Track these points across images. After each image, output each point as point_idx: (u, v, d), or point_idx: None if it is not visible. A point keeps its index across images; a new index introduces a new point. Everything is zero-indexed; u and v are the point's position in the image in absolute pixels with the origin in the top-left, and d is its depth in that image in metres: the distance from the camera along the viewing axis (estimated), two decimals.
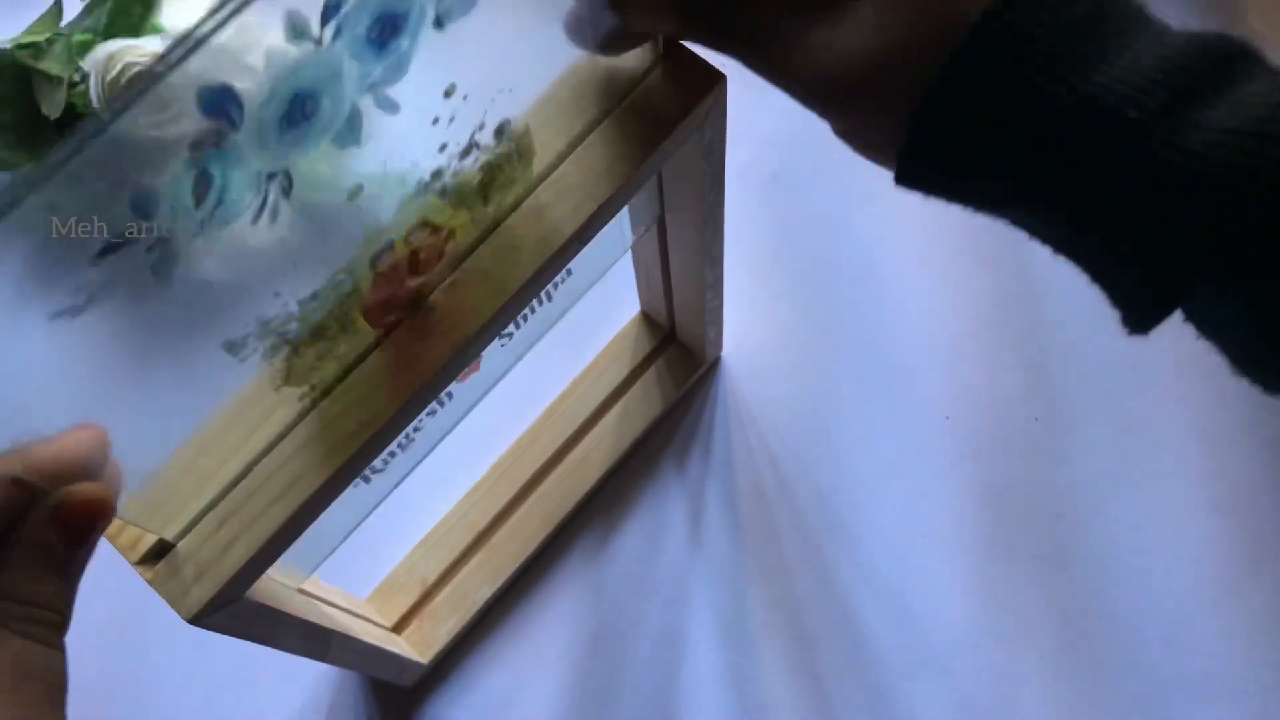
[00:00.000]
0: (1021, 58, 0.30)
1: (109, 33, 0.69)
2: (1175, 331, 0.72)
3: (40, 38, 0.71)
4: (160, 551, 0.36)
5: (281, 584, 0.43)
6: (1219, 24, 0.72)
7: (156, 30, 0.69)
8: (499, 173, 0.39)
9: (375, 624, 0.58)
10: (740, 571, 0.64)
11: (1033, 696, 0.61)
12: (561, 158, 0.39)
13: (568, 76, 0.39)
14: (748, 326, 0.69)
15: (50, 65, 0.70)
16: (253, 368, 0.33)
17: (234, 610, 0.37)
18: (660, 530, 0.65)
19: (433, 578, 0.63)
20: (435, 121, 0.34)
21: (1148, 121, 0.29)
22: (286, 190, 0.31)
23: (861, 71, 0.32)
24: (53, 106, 0.69)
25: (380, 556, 0.64)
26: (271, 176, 0.30)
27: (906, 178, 0.33)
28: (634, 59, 0.40)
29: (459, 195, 0.38)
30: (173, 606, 0.36)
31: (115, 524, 0.36)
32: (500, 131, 0.38)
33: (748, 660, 0.62)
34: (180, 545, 0.36)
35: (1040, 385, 0.67)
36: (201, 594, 0.36)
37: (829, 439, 0.66)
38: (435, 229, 0.37)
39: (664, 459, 0.67)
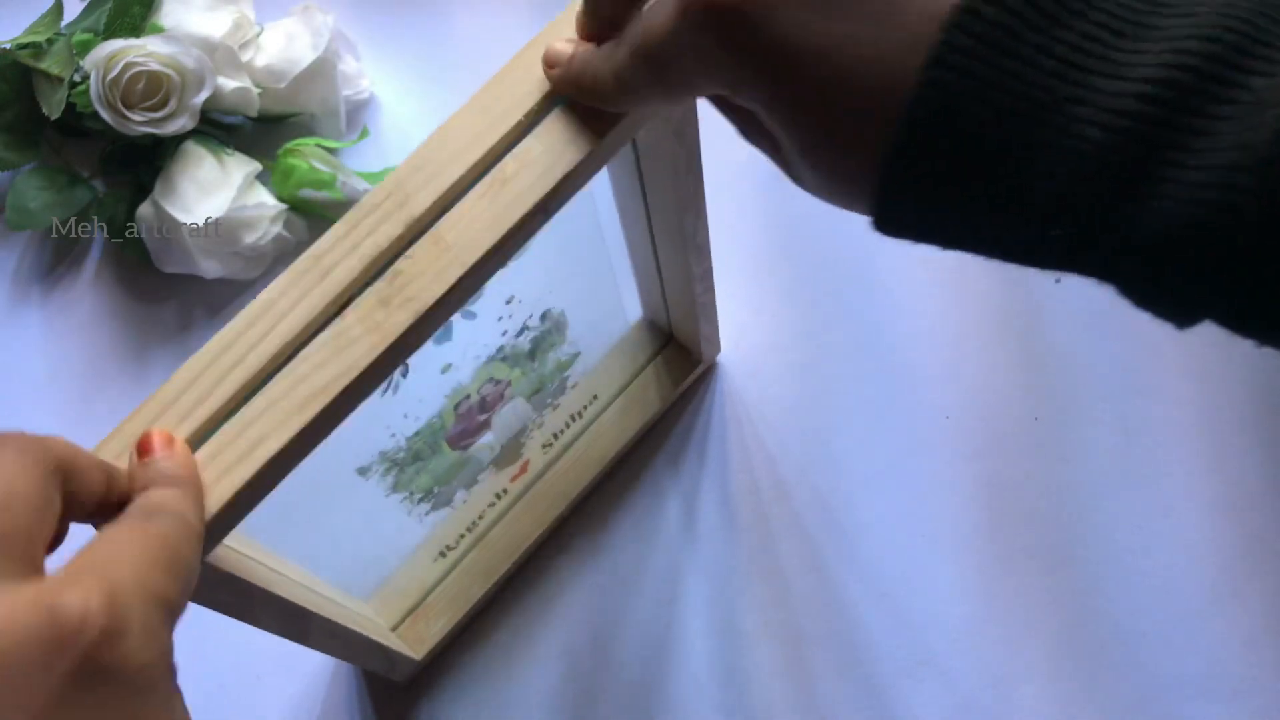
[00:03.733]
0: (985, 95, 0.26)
1: (109, 33, 0.69)
2: (1176, 332, 0.72)
3: (40, 38, 0.72)
4: None
5: (263, 564, 0.43)
6: None
7: (156, 30, 0.70)
8: (542, 340, 0.55)
9: (369, 619, 0.58)
10: (737, 571, 0.64)
11: (1032, 696, 0.61)
12: None
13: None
14: (746, 326, 0.69)
15: (50, 65, 0.71)
16: None
17: None
18: (656, 529, 0.65)
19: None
20: (500, 319, 0.50)
21: (1117, 184, 0.25)
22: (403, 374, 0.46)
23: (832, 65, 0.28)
24: (53, 106, 0.70)
25: None
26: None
27: (885, 222, 0.31)
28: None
29: (515, 358, 0.54)
30: None
31: None
32: (544, 316, 0.54)
33: (745, 660, 0.62)
34: None
35: (1040, 385, 0.67)
36: None
37: (827, 438, 0.66)
38: (497, 381, 0.54)
39: (661, 458, 0.67)
